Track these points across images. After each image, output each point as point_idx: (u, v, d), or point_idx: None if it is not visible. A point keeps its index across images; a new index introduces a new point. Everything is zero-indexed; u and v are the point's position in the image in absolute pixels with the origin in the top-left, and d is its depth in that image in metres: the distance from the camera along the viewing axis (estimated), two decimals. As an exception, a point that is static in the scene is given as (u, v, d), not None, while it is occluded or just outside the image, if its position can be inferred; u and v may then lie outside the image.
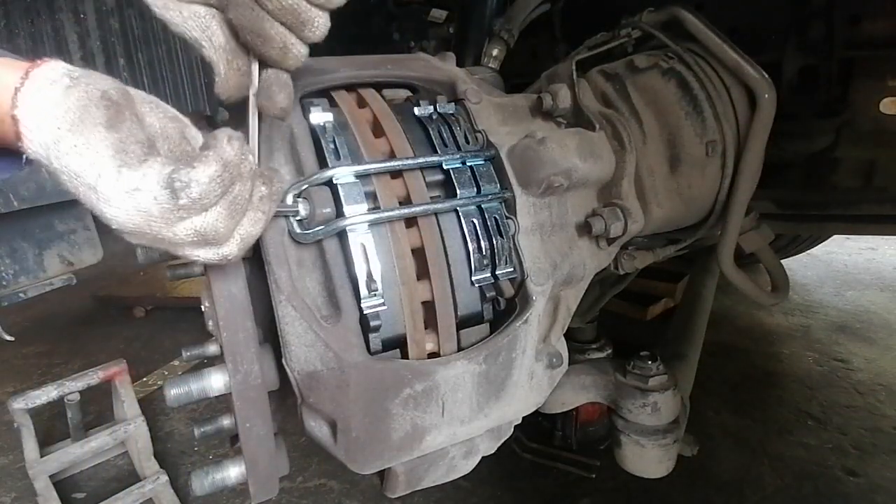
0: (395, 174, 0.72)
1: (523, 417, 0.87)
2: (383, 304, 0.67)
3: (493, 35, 1.37)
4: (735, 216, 1.07)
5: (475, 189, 0.75)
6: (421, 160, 0.72)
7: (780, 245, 3.18)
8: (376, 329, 0.67)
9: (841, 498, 1.83)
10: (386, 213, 0.68)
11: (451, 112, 0.80)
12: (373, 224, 0.67)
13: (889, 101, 1.29)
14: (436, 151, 0.75)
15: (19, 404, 1.87)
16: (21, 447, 1.90)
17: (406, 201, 0.72)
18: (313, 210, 0.63)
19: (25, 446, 1.89)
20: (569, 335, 0.91)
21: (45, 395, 1.89)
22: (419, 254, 0.72)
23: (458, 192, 0.73)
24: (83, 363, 3.00)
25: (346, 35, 1.22)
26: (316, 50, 0.60)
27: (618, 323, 2.96)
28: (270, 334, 0.68)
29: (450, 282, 0.73)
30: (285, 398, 0.74)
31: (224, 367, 0.63)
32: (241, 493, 1.95)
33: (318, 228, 0.64)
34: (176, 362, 3.06)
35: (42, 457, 1.88)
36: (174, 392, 0.64)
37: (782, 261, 1.33)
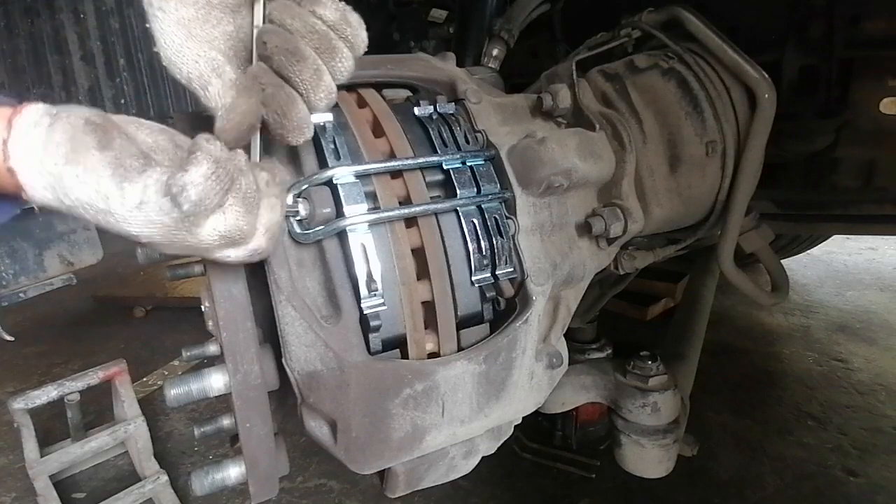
0: (395, 174, 0.73)
1: (523, 417, 0.87)
2: (383, 304, 0.67)
3: (493, 35, 1.37)
4: (735, 216, 1.07)
5: (475, 189, 0.75)
6: (421, 160, 0.72)
7: (780, 245, 3.18)
8: (376, 329, 0.67)
9: (841, 498, 1.83)
10: (386, 213, 0.68)
11: (451, 112, 0.80)
12: (373, 224, 0.67)
13: (889, 101, 1.29)
14: (436, 151, 0.75)
15: (19, 404, 1.87)
16: (21, 447, 1.90)
17: (406, 201, 0.72)
18: (313, 210, 0.63)
19: (25, 446, 1.89)
20: (569, 335, 0.91)
21: (45, 395, 1.89)
22: (419, 254, 0.72)
23: (458, 192, 0.73)
24: (83, 363, 3.00)
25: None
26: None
27: (618, 323, 2.96)
28: (270, 334, 0.68)
29: (450, 282, 0.73)
30: (285, 398, 0.74)
31: (224, 367, 0.63)
32: (241, 493, 1.95)
33: (318, 228, 0.64)
34: (176, 362, 3.06)
35: (42, 457, 1.88)
36: (174, 392, 0.64)
37: (782, 261, 1.33)
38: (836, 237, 3.72)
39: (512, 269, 0.76)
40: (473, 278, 0.73)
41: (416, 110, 0.78)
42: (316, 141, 0.69)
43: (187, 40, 0.51)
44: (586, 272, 0.89)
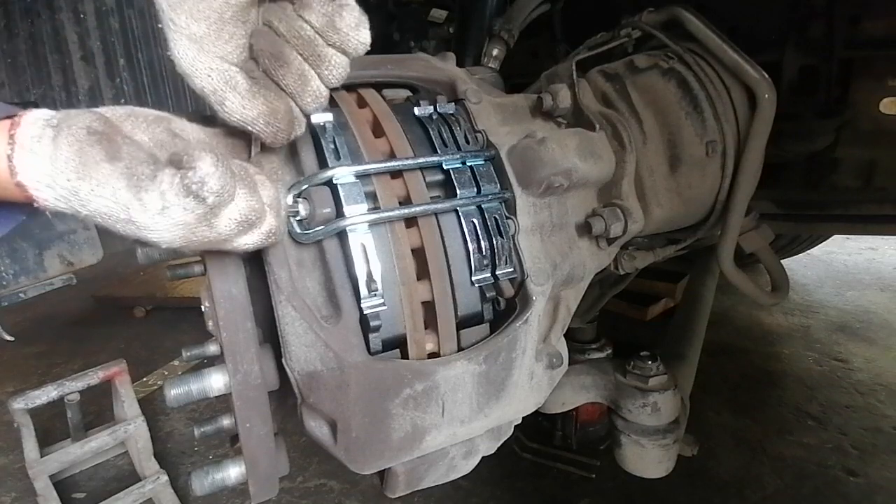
0: (395, 174, 0.72)
1: (523, 417, 0.87)
2: (383, 304, 0.67)
3: (493, 35, 1.37)
4: (735, 216, 1.07)
5: (475, 189, 0.75)
6: (421, 160, 0.72)
7: (780, 245, 3.18)
8: (376, 329, 0.67)
9: (841, 498, 1.83)
10: (386, 213, 0.68)
11: (451, 112, 0.80)
12: (373, 224, 0.67)
13: (889, 101, 1.29)
14: (436, 151, 0.75)
15: (19, 404, 1.87)
16: (21, 447, 1.90)
17: (406, 201, 0.72)
18: (313, 210, 0.63)
19: (25, 446, 1.89)
20: (569, 335, 0.91)
21: (45, 395, 1.90)
22: (419, 254, 0.72)
23: (458, 192, 0.73)
24: (83, 363, 3.00)
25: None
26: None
27: (618, 323, 2.96)
28: (270, 334, 0.68)
29: (450, 282, 0.73)
30: (285, 398, 0.74)
31: (224, 367, 0.63)
32: (241, 493, 1.95)
33: (318, 228, 0.64)
34: (176, 362, 3.06)
35: (42, 457, 1.88)
36: (174, 392, 0.64)
37: (782, 261, 1.33)
38: (836, 237, 3.73)
39: (512, 269, 0.76)
40: (473, 278, 0.73)
41: (416, 110, 0.78)
42: (316, 141, 0.69)
43: (199, 54, 0.50)
44: (586, 272, 0.89)
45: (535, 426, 2.11)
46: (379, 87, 0.85)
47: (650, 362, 1.35)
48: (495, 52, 1.35)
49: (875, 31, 1.28)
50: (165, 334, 3.44)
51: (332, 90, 0.78)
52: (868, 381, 2.47)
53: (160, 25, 0.51)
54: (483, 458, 0.88)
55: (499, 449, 0.89)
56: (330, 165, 0.66)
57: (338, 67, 0.55)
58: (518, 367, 0.77)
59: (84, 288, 3.62)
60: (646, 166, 1.01)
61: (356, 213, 0.65)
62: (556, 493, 1.92)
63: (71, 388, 1.93)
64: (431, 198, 0.74)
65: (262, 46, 0.53)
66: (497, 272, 0.74)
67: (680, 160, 1.04)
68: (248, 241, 0.53)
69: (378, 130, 0.76)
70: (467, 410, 0.75)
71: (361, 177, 0.68)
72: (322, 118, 0.69)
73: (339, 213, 0.65)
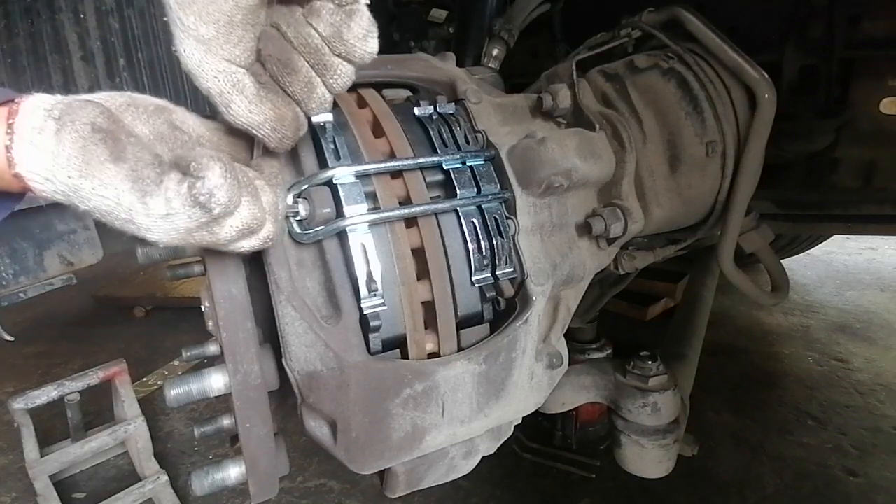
0: (395, 174, 0.72)
1: (523, 417, 0.87)
2: (383, 304, 0.67)
3: (493, 35, 1.37)
4: (735, 216, 1.07)
5: (475, 189, 0.75)
6: (421, 160, 0.72)
7: (780, 245, 3.18)
8: (376, 329, 0.67)
9: (841, 498, 1.83)
10: (386, 214, 0.68)
11: (451, 112, 0.80)
12: (373, 224, 0.67)
13: (889, 101, 1.29)
14: (436, 151, 0.75)
15: (19, 404, 1.87)
16: (21, 447, 1.90)
17: (406, 201, 0.72)
18: (313, 210, 0.63)
19: (25, 446, 1.89)
20: (569, 335, 0.91)
21: (45, 395, 1.90)
22: (419, 254, 0.72)
23: (458, 192, 0.73)
24: (83, 363, 3.00)
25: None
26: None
27: (618, 323, 2.96)
28: (270, 334, 0.68)
29: (450, 282, 0.73)
30: (285, 398, 0.74)
31: (224, 367, 0.63)
32: (241, 493, 1.95)
33: (318, 229, 0.64)
34: (176, 362, 3.06)
35: (42, 457, 1.88)
36: (174, 392, 0.64)
37: (782, 261, 1.33)
38: (836, 237, 3.73)
39: (512, 270, 0.76)
40: (473, 278, 0.73)
41: (416, 110, 0.78)
42: (316, 141, 0.69)
43: (206, 56, 0.49)
44: (586, 272, 0.89)
45: (535, 426, 2.11)
46: (379, 87, 0.85)
47: (650, 362, 1.35)
48: (495, 52, 1.35)
49: (875, 31, 1.28)
50: (165, 334, 3.44)
51: (333, 90, 0.78)
52: (868, 381, 2.47)
53: (165, 18, 0.50)
54: (483, 458, 0.88)
55: (499, 449, 0.89)
56: (330, 165, 0.66)
57: (343, 77, 0.55)
58: (518, 367, 0.77)
59: (84, 288, 3.62)
60: (646, 166, 1.01)
61: (356, 213, 0.65)
62: (556, 493, 1.92)
63: (71, 388, 1.93)
64: (431, 198, 0.74)
65: (271, 52, 0.52)
66: (497, 272, 0.74)
67: (680, 160, 1.04)
68: (246, 245, 0.53)
69: (378, 130, 0.76)
70: (467, 410, 0.75)
71: (361, 177, 0.68)
72: (322, 118, 0.69)
73: (339, 213, 0.65)
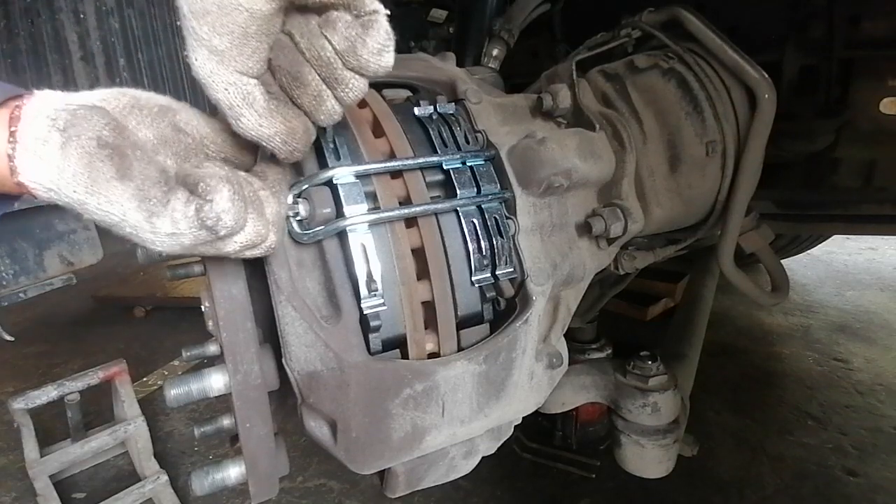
0: (395, 174, 0.72)
1: (523, 417, 0.87)
2: (383, 304, 0.67)
3: (493, 35, 1.37)
4: (735, 216, 1.07)
5: (475, 189, 0.75)
6: (421, 160, 0.72)
7: (780, 245, 3.18)
8: (376, 329, 0.67)
9: (841, 498, 1.83)
10: (386, 214, 0.68)
11: (451, 112, 0.80)
12: (373, 224, 0.67)
13: (889, 101, 1.29)
14: (436, 151, 0.75)
15: (19, 404, 1.87)
16: (21, 447, 1.90)
17: (406, 201, 0.72)
18: (313, 210, 0.63)
19: (25, 446, 1.89)
20: (569, 335, 0.91)
21: (45, 395, 1.90)
22: (419, 254, 0.72)
23: (458, 192, 0.73)
24: (83, 363, 3.00)
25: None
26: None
27: (618, 323, 2.96)
28: (270, 334, 0.68)
29: (450, 282, 0.73)
30: (285, 398, 0.74)
31: (224, 367, 0.63)
32: (241, 493, 1.95)
33: (318, 229, 0.64)
34: (176, 362, 3.06)
35: (42, 457, 1.88)
36: (174, 392, 0.64)
37: (782, 261, 1.32)
38: (836, 237, 3.73)
39: (512, 270, 0.76)
40: (473, 278, 0.73)
41: (416, 110, 0.78)
42: (316, 141, 0.69)
43: (218, 67, 0.48)
44: (586, 272, 0.89)
45: (535, 426, 2.11)
46: (379, 87, 0.85)
47: (650, 362, 1.35)
48: (495, 52, 1.35)
49: (875, 31, 1.28)
50: (165, 334, 3.44)
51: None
52: (868, 381, 2.47)
53: (178, 23, 0.49)
54: (483, 458, 0.88)
55: (499, 449, 0.89)
56: (330, 165, 0.66)
57: (354, 90, 0.53)
58: (518, 367, 0.77)
59: (84, 288, 3.62)
60: (646, 166, 1.01)
61: (356, 213, 0.65)
62: (556, 493, 1.92)
63: (71, 388, 1.93)
64: (431, 198, 0.74)
65: (281, 63, 0.51)
66: (497, 272, 0.74)
67: (680, 160, 1.04)
68: (248, 254, 0.53)
69: (378, 130, 0.76)
70: (467, 410, 0.75)
71: (361, 177, 0.68)
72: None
73: (339, 214, 0.65)
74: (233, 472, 0.68)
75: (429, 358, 0.73)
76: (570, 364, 0.88)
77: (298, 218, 0.64)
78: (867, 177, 1.41)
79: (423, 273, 0.72)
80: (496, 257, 0.74)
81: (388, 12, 0.51)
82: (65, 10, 1.72)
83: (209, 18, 0.46)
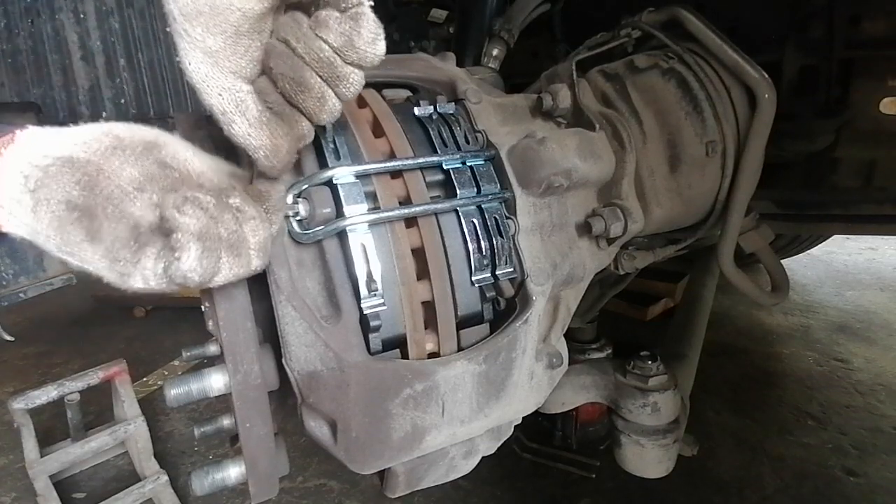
0: (395, 174, 0.73)
1: (523, 417, 0.87)
2: (383, 304, 0.67)
3: (493, 35, 1.37)
4: (735, 216, 1.07)
5: (475, 189, 0.75)
6: (421, 160, 0.72)
7: (780, 245, 3.18)
8: (376, 329, 0.67)
9: (841, 498, 1.83)
10: (386, 214, 0.68)
11: (451, 112, 0.80)
12: (373, 224, 0.67)
13: (889, 101, 1.29)
14: (436, 151, 0.75)
15: (19, 404, 1.87)
16: (21, 447, 1.90)
17: (406, 201, 0.72)
18: (313, 210, 0.63)
19: (25, 446, 1.89)
20: (569, 335, 0.91)
21: (45, 395, 1.90)
22: (419, 254, 0.72)
23: (458, 192, 0.73)
24: (83, 363, 3.00)
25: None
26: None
27: (618, 323, 2.96)
28: (270, 334, 0.68)
29: (450, 282, 0.73)
30: (285, 398, 0.74)
31: (224, 367, 0.63)
32: (241, 493, 1.95)
33: (317, 228, 0.64)
34: (176, 362, 3.06)
35: (42, 457, 1.88)
36: (174, 392, 0.64)
37: (782, 261, 1.32)
38: (836, 237, 3.73)
39: (512, 269, 0.76)
40: (473, 278, 0.73)
41: (416, 110, 0.78)
42: (316, 141, 0.69)
43: (213, 69, 0.49)
44: (586, 272, 0.89)
45: (535, 426, 2.11)
46: (379, 87, 0.85)
47: (650, 362, 1.35)
48: (495, 52, 1.35)
49: (875, 31, 1.28)
50: (165, 334, 3.44)
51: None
52: (868, 381, 2.47)
53: (168, 29, 0.49)
54: (483, 458, 0.88)
55: (499, 449, 0.89)
56: (330, 165, 0.67)
57: (354, 84, 0.54)
58: (518, 367, 0.77)
59: (84, 288, 3.63)
60: (646, 166, 1.01)
61: (356, 213, 0.65)
62: (556, 493, 1.92)
63: (71, 388, 1.93)
64: (431, 198, 0.74)
65: (284, 71, 0.51)
66: (497, 272, 0.75)
67: (680, 160, 1.04)
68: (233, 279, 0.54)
69: (378, 130, 0.76)
70: (467, 410, 0.75)
71: (361, 177, 0.68)
72: (322, 118, 0.69)
73: (339, 213, 0.65)
74: (233, 472, 0.68)
75: (429, 358, 0.73)
76: (570, 364, 0.88)
77: (298, 218, 0.64)
78: (867, 177, 1.41)
79: (423, 273, 0.72)
80: (496, 257, 0.74)
81: (372, 2, 0.52)
82: (65, 10, 1.73)
83: (202, 19, 0.46)
